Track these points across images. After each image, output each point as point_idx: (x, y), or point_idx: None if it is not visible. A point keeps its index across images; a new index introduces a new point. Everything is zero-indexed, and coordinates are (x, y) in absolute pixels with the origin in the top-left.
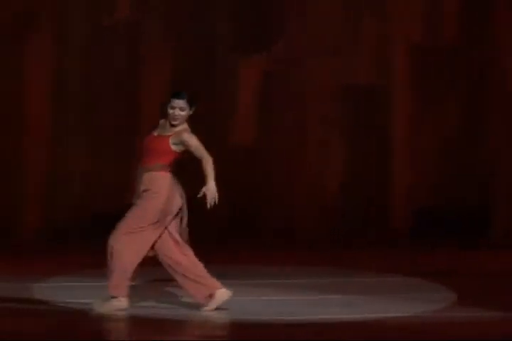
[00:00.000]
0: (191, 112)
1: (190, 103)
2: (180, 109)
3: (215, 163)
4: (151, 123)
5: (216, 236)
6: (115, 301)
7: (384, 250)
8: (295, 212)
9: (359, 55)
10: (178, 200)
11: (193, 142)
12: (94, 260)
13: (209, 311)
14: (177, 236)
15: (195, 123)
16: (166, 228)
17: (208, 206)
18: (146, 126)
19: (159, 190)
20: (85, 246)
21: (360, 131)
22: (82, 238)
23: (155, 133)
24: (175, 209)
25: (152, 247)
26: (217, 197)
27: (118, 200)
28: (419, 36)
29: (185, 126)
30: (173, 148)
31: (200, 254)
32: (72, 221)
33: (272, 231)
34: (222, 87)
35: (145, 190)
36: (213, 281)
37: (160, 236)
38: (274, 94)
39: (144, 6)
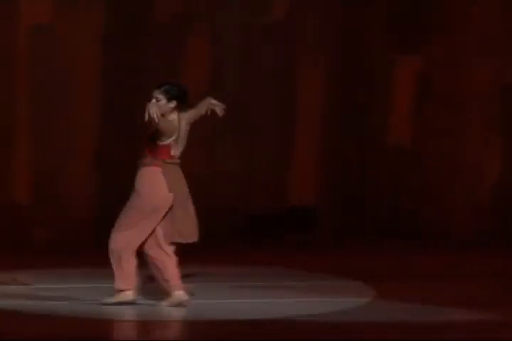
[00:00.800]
0: (173, 105)
1: (169, 95)
2: (156, 99)
3: (371, 163)
4: (308, 124)
5: (374, 235)
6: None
7: None
8: (451, 215)
9: None
10: (165, 197)
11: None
12: (239, 259)
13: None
14: (159, 235)
15: (350, 124)
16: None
17: (220, 114)
18: (303, 126)
19: (141, 187)
20: (238, 246)
21: None
22: (235, 238)
23: None
24: (160, 205)
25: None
26: (222, 104)
27: (273, 201)
28: None
29: (171, 117)
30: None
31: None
32: (226, 221)
33: (428, 234)
34: (379, 87)
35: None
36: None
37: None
38: (431, 94)
39: (299, 6)
